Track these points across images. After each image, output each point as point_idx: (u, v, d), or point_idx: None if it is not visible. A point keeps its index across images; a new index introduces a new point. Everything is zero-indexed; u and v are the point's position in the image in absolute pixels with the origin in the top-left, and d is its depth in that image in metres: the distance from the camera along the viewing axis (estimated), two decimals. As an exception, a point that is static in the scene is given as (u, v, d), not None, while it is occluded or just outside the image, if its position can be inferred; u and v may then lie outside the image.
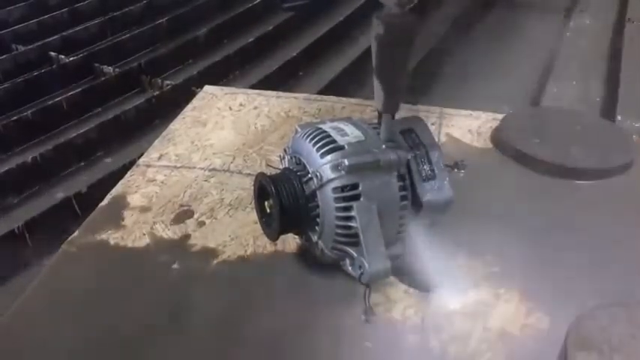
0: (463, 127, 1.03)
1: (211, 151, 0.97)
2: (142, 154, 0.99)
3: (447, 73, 2.07)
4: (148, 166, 0.94)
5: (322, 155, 0.65)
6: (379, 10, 0.61)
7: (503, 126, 1.00)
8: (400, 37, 0.61)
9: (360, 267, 0.64)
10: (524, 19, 2.50)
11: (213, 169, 0.93)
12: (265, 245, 0.77)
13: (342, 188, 0.64)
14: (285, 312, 0.68)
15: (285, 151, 0.72)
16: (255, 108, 1.10)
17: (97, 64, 1.97)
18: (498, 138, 0.98)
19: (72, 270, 0.75)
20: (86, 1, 2.32)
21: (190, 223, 0.81)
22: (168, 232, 0.80)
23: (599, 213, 0.84)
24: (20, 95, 1.80)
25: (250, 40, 2.10)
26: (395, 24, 0.60)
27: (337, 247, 0.66)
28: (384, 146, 0.66)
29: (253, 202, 0.74)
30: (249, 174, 0.91)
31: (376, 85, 0.64)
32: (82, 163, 1.56)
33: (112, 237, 0.79)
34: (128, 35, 2.15)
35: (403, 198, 0.66)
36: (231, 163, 0.94)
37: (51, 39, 2.06)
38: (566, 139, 0.96)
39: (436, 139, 0.70)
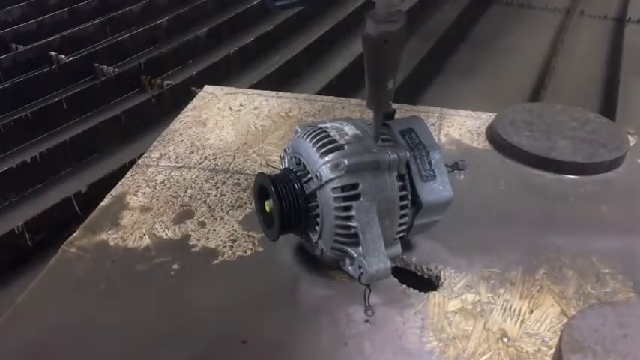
0: (463, 127, 1.03)
1: (211, 151, 0.97)
2: (142, 154, 0.98)
3: (447, 72, 2.07)
4: (148, 166, 0.94)
5: (322, 155, 0.65)
6: (371, 9, 0.60)
7: (498, 119, 1.01)
8: (389, 35, 0.60)
9: (360, 267, 0.64)
10: (524, 18, 2.51)
11: (214, 169, 0.93)
12: (265, 245, 0.77)
13: (342, 188, 0.64)
14: (285, 312, 0.68)
15: (285, 151, 0.72)
16: (255, 108, 1.10)
17: (97, 64, 1.97)
18: (490, 130, 1.00)
19: (72, 270, 0.75)
20: (86, 1, 2.32)
21: (190, 223, 0.81)
22: (168, 233, 0.80)
23: (598, 209, 0.84)
24: (20, 95, 1.79)
25: (250, 40, 2.10)
26: (384, 23, 0.60)
27: (337, 247, 0.66)
28: (376, 144, 0.65)
29: (253, 202, 0.74)
30: (249, 174, 0.91)
31: (367, 82, 0.64)
32: (82, 163, 1.56)
33: (112, 237, 0.79)
34: (128, 35, 2.15)
35: (403, 198, 0.66)
36: (231, 163, 0.94)
37: (51, 39, 2.05)
38: (558, 134, 0.96)
39: (436, 139, 0.70)
